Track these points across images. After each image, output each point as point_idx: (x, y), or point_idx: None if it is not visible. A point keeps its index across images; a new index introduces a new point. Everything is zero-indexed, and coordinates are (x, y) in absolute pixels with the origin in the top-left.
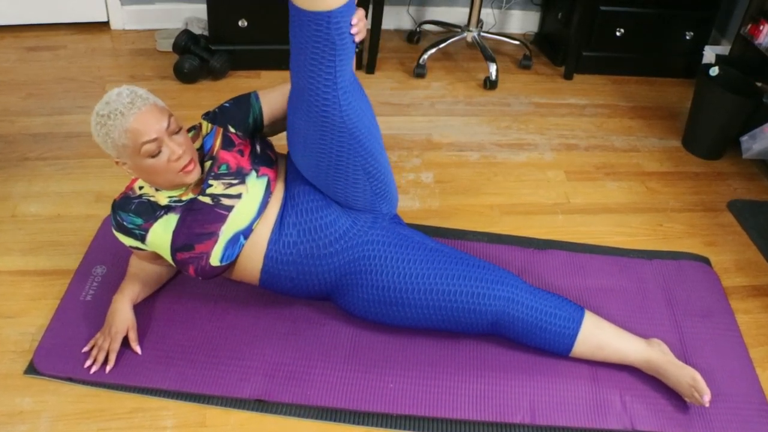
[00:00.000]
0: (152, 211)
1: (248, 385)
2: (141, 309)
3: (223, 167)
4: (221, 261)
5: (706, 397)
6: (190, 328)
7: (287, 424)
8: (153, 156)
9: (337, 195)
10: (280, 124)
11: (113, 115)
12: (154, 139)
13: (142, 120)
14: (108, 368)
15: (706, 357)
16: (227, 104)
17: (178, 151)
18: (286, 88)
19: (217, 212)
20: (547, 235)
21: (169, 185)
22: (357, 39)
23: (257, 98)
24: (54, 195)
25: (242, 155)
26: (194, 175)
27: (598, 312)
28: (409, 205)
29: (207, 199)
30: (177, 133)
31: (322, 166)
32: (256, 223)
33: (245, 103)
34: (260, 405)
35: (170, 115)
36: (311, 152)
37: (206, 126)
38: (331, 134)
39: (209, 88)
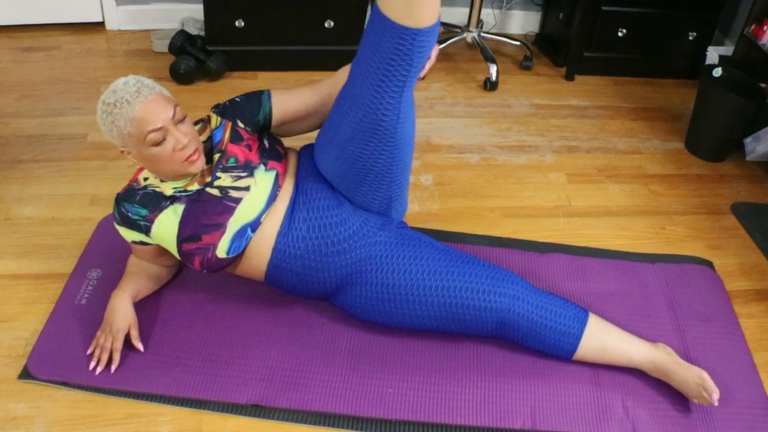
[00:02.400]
0: (157, 202)
1: (245, 390)
2: (136, 313)
3: (232, 160)
4: (228, 253)
5: (715, 396)
6: (186, 332)
7: (285, 429)
8: (158, 145)
9: (356, 196)
10: (288, 126)
11: (119, 104)
12: (160, 128)
13: (148, 109)
14: (113, 368)
15: (710, 361)
16: (238, 99)
17: (183, 140)
18: (301, 93)
19: (225, 204)
20: (549, 239)
21: (174, 175)
22: (427, 67)
23: (269, 98)
24: (48, 198)
25: (250, 150)
26: (198, 164)
27: (600, 316)
28: (409, 208)
29: (215, 191)
30: (182, 122)
31: (355, 168)
32: (264, 216)
33: (256, 100)
34: (257, 410)
35: (176, 105)
36: (348, 155)
37: (215, 119)
38: (378, 143)
39: (206, 89)
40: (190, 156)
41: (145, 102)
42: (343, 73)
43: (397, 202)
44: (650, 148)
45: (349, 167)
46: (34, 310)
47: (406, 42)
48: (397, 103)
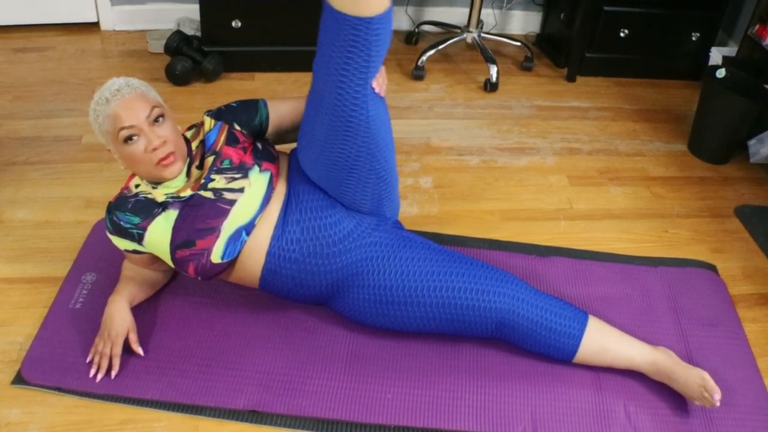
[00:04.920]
0: (150, 209)
1: (242, 396)
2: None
3: (226, 162)
4: (222, 258)
5: (717, 396)
6: (182, 337)
7: None
8: (130, 144)
9: (344, 197)
10: (282, 134)
11: (101, 101)
12: (131, 126)
13: (123, 106)
14: (113, 374)
15: (713, 366)
16: (234, 104)
17: (154, 142)
18: (295, 104)
19: (219, 207)
20: (550, 242)
21: (150, 177)
22: (383, 86)
23: (265, 105)
24: (42, 200)
25: (245, 152)
26: (173, 169)
27: (602, 320)
28: (408, 211)
29: (209, 194)
30: (160, 124)
31: (336, 169)
32: (258, 219)
33: (253, 107)
34: (254, 416)
35: (155, 107)
36: (327, 157)
37: (209, 122)
38: (353, 139)
39: (202, 90)
40: (163, 159)
41: (121, 100)
42: None
43: (388, 201)
44: (653, 150)
45: (331, 169)
46: (28, 315)
47: (360, 32)
48: (363, 97)
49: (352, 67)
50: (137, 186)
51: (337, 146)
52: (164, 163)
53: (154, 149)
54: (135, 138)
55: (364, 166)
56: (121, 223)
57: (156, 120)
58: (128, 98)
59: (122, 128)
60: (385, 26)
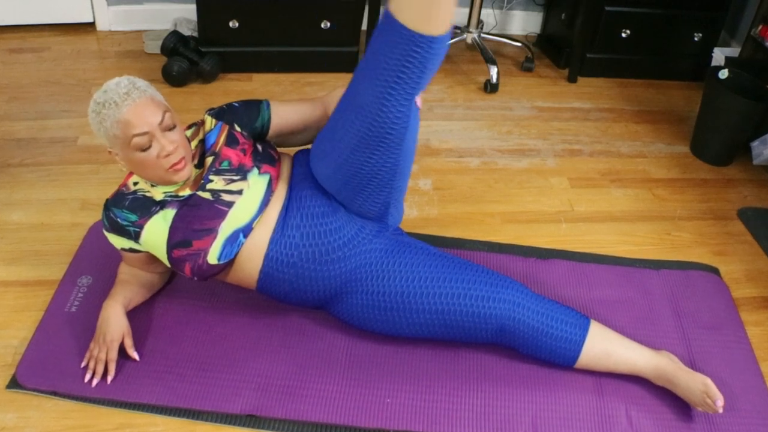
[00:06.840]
0: (147, 207)
1: (240, 400)
2: (128, 322)
3: (225, 163)
4: (219, 259)
5: (719, 402)
6: (179, 340)
7: None
8: (142, 150)
9: (353, 203)
10: (284, 138)
11: (108, 104)
12: (145, 133)
13: (135, 112)
14: (109, 379)
15: (715, 370)
16: (236, 104)
17: (168, 148)
18: (300, 107)
19: (217, 208)
20: (550, 245)
21: (158, 180)
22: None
23: (268, 107)
24: (37, 202)
25: (245, 154)
26: (183, 174)
27: (603, 324)
28: (407, 214)
29: (207, 195)
30: (171, 129)
31: (356, 179)
32: (256, 222)
33: (255, 108)
34: (252, 420)
35: (166, 111)
36: (349, 166)
37: (210, 121)
38: (383, 153)
39: (199, 91)
40: (175, 164)
41: (132, 105)
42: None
43: (394, 208)
44: (655, 151)
45: (351, 177)
46: (23, 318)
47: (421, 50)
48: (406, 112)
49: (404, 82)
50: (135, 184)
51: (365, 156)
52: (176, 168)
53: (168, 155)
54: (148, 144)
55: (385, 177)
56: (118, 220)
57: (168, 127)
58: (139, 103)
59: (136, 135)
60: (445, 46)
